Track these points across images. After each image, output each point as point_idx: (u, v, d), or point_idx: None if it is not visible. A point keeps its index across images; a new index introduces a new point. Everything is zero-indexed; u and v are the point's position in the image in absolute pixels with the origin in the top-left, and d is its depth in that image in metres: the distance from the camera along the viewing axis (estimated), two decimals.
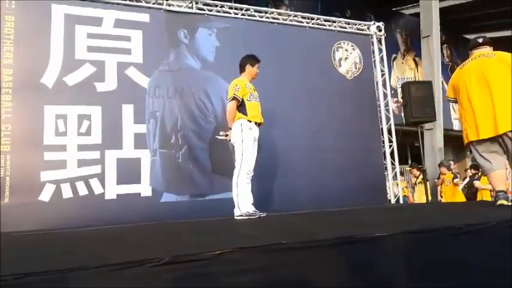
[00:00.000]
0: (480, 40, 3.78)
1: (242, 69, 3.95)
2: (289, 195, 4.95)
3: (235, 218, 3.56)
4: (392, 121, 6.31)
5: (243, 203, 3.60)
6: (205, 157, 4.80)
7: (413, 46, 12.86)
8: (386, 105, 6.36)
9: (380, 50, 6.49)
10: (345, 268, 1.33)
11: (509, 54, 3.45)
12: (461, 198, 7.14)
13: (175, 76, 4.88)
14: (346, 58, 6.07)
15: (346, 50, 6.12)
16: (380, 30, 6.49)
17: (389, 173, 6.08)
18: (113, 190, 4.30)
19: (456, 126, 14.29)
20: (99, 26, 4.56)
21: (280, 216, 3.77)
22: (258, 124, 3.85)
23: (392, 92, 9.21)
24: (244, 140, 3.70)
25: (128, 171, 4.40)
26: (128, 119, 4.50)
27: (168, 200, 4.55)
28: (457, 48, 15.36)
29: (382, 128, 6.20)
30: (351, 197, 5.11)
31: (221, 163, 4.73)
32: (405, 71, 13.12)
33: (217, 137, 4.36)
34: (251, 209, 3.61)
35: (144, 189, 4.46)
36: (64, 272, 1.30)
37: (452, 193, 7.20)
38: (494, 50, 3.72)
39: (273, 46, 5.32)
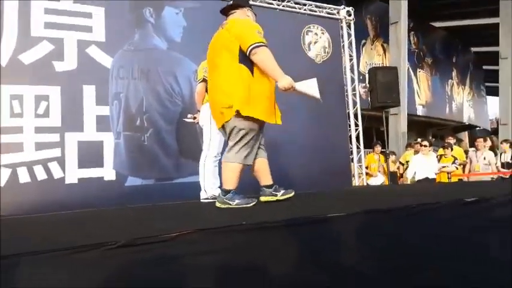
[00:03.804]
0: (230, 3, 2.96)
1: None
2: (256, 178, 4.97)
3: (202, 201, 3.55)
4: (358, 105, 6.42)
5: (210, 186, 3.59)
6: (172, 140, 4.73)
7: (382, 32, 13.04)
8: (354, 89, 6.45)
9: (349, 35, 6.55)
10: (301, 249, 1.35)
11: (240, 21, 2.81)
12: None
13: (141, 56, 4.75)
14: (315, 42, 6.09)
15: (316, 34, 6.13)
16: (350, 15, 6.53)
17: (355, 156, 6.21)
18: (74, 174, 4.18)
19: (420, 111, 14.75)
20: (57, 1, 4.34)
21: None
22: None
23: (361, 77, 9.35)
24: (213, 123, 3.65)
25: (90, 155, 4.28)
26: (89, 101, 4.35)
27: (133, 183, 4.48)
28: (424, 35, 15.70)
29: (348, 112, 6.31)
30: (316, 179, 5.19)
31: (188, 146, 4.68)
32: (374, 56, 13.31)
33: (184, 119, 4.31)
34: (218, 192, 3.58)
35: (107, 173, 4.36)
36: (14, 257, 1.25)
37: None
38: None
39: None
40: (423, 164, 6.48)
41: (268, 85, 2.74)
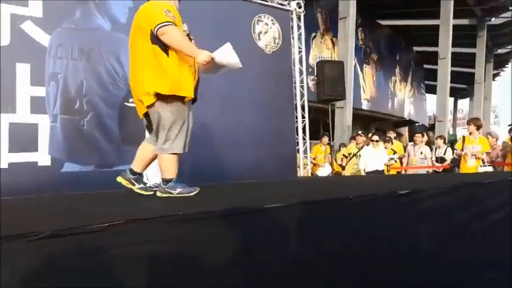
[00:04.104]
0: None
1: None
2: (202, 168, 4.91)
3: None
4: (306, 97, 6.53)
5: (152, 174, 3.51)
6: (114, 125, 4.54)
7: (332, 27, 13.31)
8: (302, 81, 6.54)
9: (299, 27, 6.61)
10: (236, 240, 1.34)
11: (152, 2, 2.69)
12: None
13: (82, 36, 4.48)
14: (265, 32, 6.08)
15: (266, 24, 6.12)
16: (300, 7, 6.58)
17: (301, 148, 6.34)
18: (4, 158, 3.89)
19: (365, 106, 15.32)
20: None
21: None
22: None
23: (311, 69, 9.51)
24: None
25: (23, 138, 4.00)
26: (23, 80, 4.05)
27: (70, 170, 4.25)
28: (371, 32, 16.24)
29: (296, 104, 6.40)
30: (263, 170, 5.24)
31: (131, 132, 4.51)
32: (323, 50, 13.58)
33: (127, 104, 4.15)
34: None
35: (42, 157, 4.10)
36: None
37: None
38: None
39: (192, 14, 5.11)
40: (373, 157, 6.72)
41: (186, 62, 2.63)
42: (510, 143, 6.52)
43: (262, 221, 1.42)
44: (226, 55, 2.72)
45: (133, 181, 2.74)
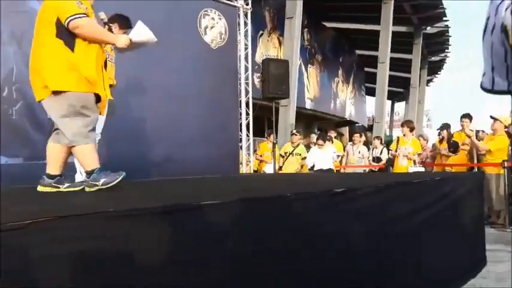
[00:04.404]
0: None
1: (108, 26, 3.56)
2: (144, 162, 4.78)
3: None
4: (250, 94, 6.57)
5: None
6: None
7: (279, 26, 13.47)
8: (247, 78, 6.57)
9: (246, 24, 6.62)
10: (172, 236, 1.31)
11: None
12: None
13: (13, 19, 4.16)
14: (212, 27, 6.03)
15: (213, 18, 6.06)
16: (247, 4, 6.60)
17: (244, 144, 6.37)
18: None
19: (308, 105, 15.71)
20: None
21: (127, 184, 3.62)
22: (110, 86, 3.59)
23: (257, 67, 9.59)
24: None
25: None
26: None
27: None
28: (316, 33, 16.66)
29: (240, 101, 6.41)
30: (205, 166, 5.19)
31: None
32: (270, 48, 13.72)
33: None
34: None
35: None
36: None
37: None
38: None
39: (137, 4, 4.94)
40: (319, 156, 6.86)
41: (93, 58, 2.52)
42: (439, 145, 6.98)
43: (199, 218, 1.41)
44: (142, 33, 2.82)
45: (55, 184, 2.57)
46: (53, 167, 2.57)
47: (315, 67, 16.62)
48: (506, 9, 0.67)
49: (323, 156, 6.81)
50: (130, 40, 2.67)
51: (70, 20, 2.35)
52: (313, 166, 6.98)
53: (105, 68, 3.29)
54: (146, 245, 1.27)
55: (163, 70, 5.17)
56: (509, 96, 0.81)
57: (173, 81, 5.25)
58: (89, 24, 2.43)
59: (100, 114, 2.86)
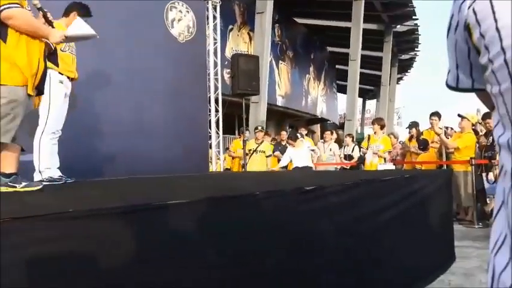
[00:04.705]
0: None
1: (66, 14, 3.46)
2: (107, 160, 4.67)
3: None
4: (220, 91, 6.54)
5: (46, 167, 3.25)
6: None
7: (249, 20, 13.48)
8: (216, 74, 6.54)
9: (214, 18, 6.58)
10: (136, 237, 1.29)
11: None
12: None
13: None
14: (179, 20, 5.95)
15: (180, 11, 5.99)
16: None
17: (213, 142, 6.34)
18: None
19: (279, 102, 15.82)
20: None
21: (89, 182, 3.55)
22: (72, 79, 3.50)
23: (226, 62, 9.54)
24: (52, 94, 3.30)
25: None
26: None
27: None
28: (288, 29, 16.77)
29: (210, 97, 6.37)
30: (172, 164, 5.13)
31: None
32: (240, 43, 13.70)
33: None
34: (56, 173, 3.31)
35: None
36: None
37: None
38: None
39: None
40: (294, 154, 6.84)
41: (26, 51, 2.45)
42: (408, 143, 7.17)
43: (164, 218, 1.39)
44: (79, 29, 2.89)
45: (11, 184, 2.48)
46: (6, 165, 2.47)
47: (286, 63, 16.74)
48: (469, 7, 0.70)
49: (298, 153, 6.81)
50: (65, 36, 2.72)
51: (2, 10, 2.28)
52: (286, 166, 7.02)
53: (55, 59, 3.22)
54: (106, 245, 1.24)
55: (127, 63, 5.06)
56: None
57: (138, 74, 5.14)
58: (22, 15, 2.38)
59: (34, 107, 2.78)
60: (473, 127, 6.17)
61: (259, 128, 7.62)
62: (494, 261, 0.69)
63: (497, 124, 0.72)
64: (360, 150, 7.78)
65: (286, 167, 7.00)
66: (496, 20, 0.66)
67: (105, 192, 2.38)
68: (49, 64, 3.32)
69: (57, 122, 3.37)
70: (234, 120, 13.88)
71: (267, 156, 7.47)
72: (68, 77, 3.46)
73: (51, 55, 3.31)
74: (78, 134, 4.30)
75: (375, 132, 7.15)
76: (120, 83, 4.96)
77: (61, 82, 3.39)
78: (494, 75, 0.68)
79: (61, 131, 3.43)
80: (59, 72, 3.37)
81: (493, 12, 0.66)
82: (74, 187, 3.04)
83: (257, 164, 7.34)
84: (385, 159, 6.90)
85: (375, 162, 6.77)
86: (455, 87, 0.83)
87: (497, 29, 0.65)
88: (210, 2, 6.47)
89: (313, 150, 7.27)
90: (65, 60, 3.43)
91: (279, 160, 7.68)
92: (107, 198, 2.03)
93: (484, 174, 5.75)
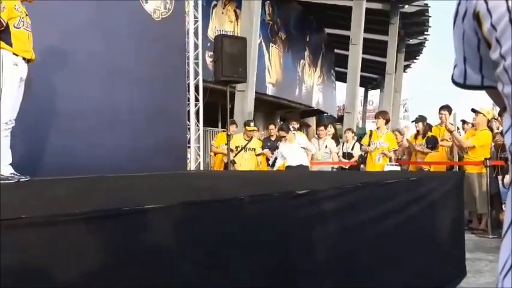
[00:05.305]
0: None
1: None
2: (68, 155, 4.63)
3: None
4: (200, 77, 6.52)
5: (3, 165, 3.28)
6: None
7: None
8: (197, 57, 6.51)
9: None
10: (102, 247, 1.29)
11: None
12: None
13: None
14: None
15: None
16: None
17: (192, 136, 6.32)
18: None
19: (270, 90, 15.81)
20: None
21: (47, 181, 3.52)
22: (28, 60, 3.49)
23: (209, 44, 9.50)
24: (5, 78, 3.31)
25: None
26: None
27: None
28: (280, 7, 16.71)
29: (189, 84, 6.35)
30: (145, 160, 5.12)
31: None
32: (224, 22, 13.63)
33: None
34: (8, 171, 3.35)
35: None
36: None
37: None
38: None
39: None
40: (287, 152, 6.81)
41: None
42: (413, 140, 7.16)
43: (136, 225, 1.39)
44: None
45: None
46: None
47: (278, 46, 16.72)
48: None
49: (291, 150, 6.79)
50: None
51: None
52: (274, 164, 7.03)
53: (8, 37, 3.20)
54: (66, 257, 1.24)
55: (92, 43, 5.00)
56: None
57: (105, 56, 5.09)
58: None
59: None
60: (489, 124, 6.20)
61: (252, 124, 7.61)
62: (503, 285, 0.69)
63: (509, 129, 0.70)
64: (360, 148, 7.76)
65: (272, 165, 7.02)
66: (509, 11, 0.64)
67: (66, 194, 2.37)
68: (0, 43, 3.30)
69: (10, 111, 3.38)
70: (217, 111, 13.85)
71: (257, 155, 7.49)
72: (24, 58, 3.47)
73: (2, 32, 3.29)
74: (34, 125, 4.26)
75: (378, 128, 7.12)
76: (84, 66, 4.91)
77: (16, 64, 3.39)
78: (507, 73, 0.66)
79: (14, 121, 3.44)
80: (13, 53, 3.37)
81: (507, 0, 0.64)
82: (29, 187, 3.02)
83: (246, 163, 7.37)
84: (390, 158, 6.91)
85: (380, 163, 6.77)
86: (463, 84, 0.81)
87: (511, 21, 0.64)
88: None
89: (304, 148, 7.21)
90: (20, 38, 3.42)
91: (267, 159, 7.71)
92: (67, 200, 2.02)
93: (499, 177, 5.78)
